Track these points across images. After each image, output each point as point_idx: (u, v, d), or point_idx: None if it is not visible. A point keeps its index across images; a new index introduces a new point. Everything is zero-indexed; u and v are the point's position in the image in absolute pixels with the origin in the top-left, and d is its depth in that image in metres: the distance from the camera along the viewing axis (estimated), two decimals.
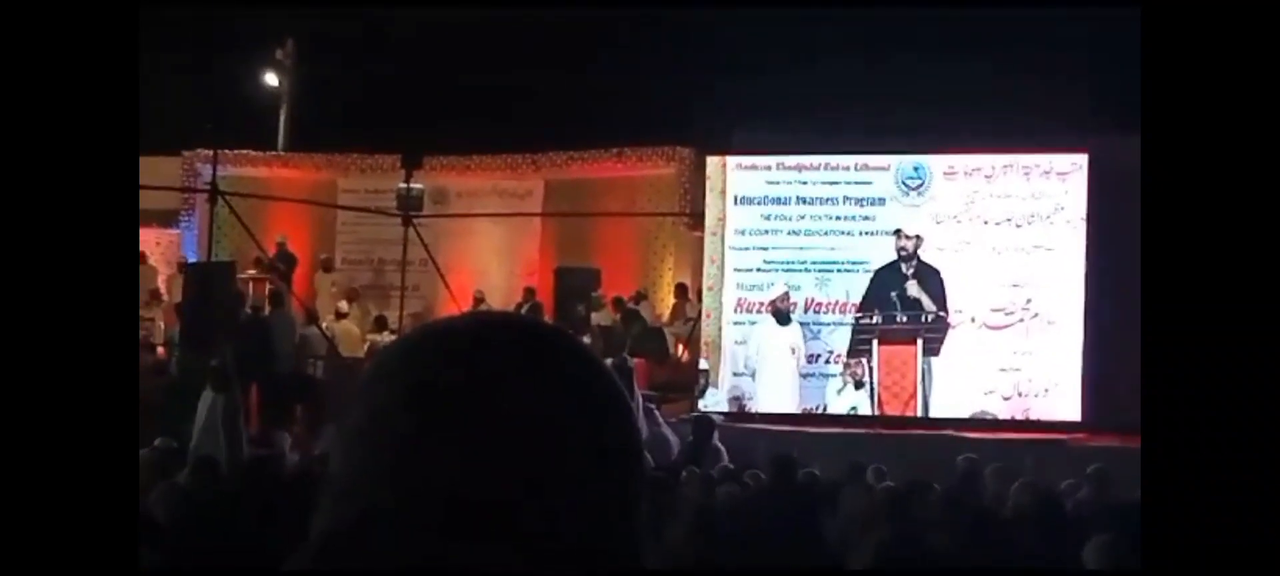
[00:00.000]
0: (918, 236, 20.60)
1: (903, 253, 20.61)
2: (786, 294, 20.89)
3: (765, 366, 20.92)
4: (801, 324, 20.88)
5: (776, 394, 20.81)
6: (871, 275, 20.77)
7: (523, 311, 22.28)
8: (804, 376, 20.79)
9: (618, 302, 25.01)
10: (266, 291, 25.39)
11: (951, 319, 20.40)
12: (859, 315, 20.69)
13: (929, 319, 20.45)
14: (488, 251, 28.47)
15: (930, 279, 20.54)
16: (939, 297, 20.47)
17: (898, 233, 20.68)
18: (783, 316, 20.88)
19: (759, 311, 21.05)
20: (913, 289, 20.50)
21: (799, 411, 20.65)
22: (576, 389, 1.59)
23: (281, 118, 32.02)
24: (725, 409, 20.56)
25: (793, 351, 20.79)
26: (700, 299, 22.44)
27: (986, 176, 20.69)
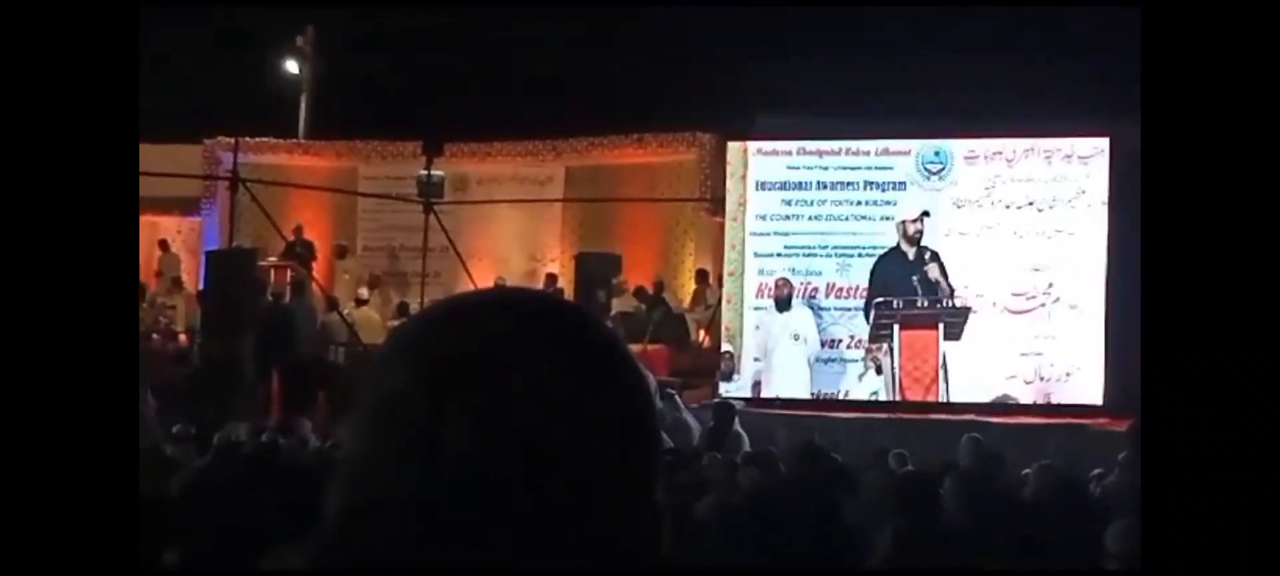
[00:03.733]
0: (922, 216, 20.55)
1: (916, 236, 20.53)
2: (786, 281, 20.91)
3: (771, 353, 20.94)
4: (821, 309, 20.85)
5: (784, 380, 20.81)
6: (875, 261, 20.75)
7: None
8: (822, 362, 20.77)
9: (639, 292, 25.07)
10: (287, 278, 25.45)
11: (972, 303, 20.35)
12: (879, 300, 20.64)
13: (946, 303, 20.40)
14: (508, 238, 28.50)
15: (935, 263, 20.50)
16: (944, 281, 20.45)
17: (903, 222, 20.62)
18: (782, 304, 20.89)
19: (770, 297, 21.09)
20: (934, 272, 20.45)
21: (813, 397, 20.65)
22: (593, 364, 1.58)
23: (302, 105, 32.03)
24: (748, 395, 20.55)
25: (795, 337, 20.79)
26: (721, 284, 22.42)
27: (1008, 160, 20.63)
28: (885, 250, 20.73)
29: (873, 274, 20.71)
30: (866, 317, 20.69)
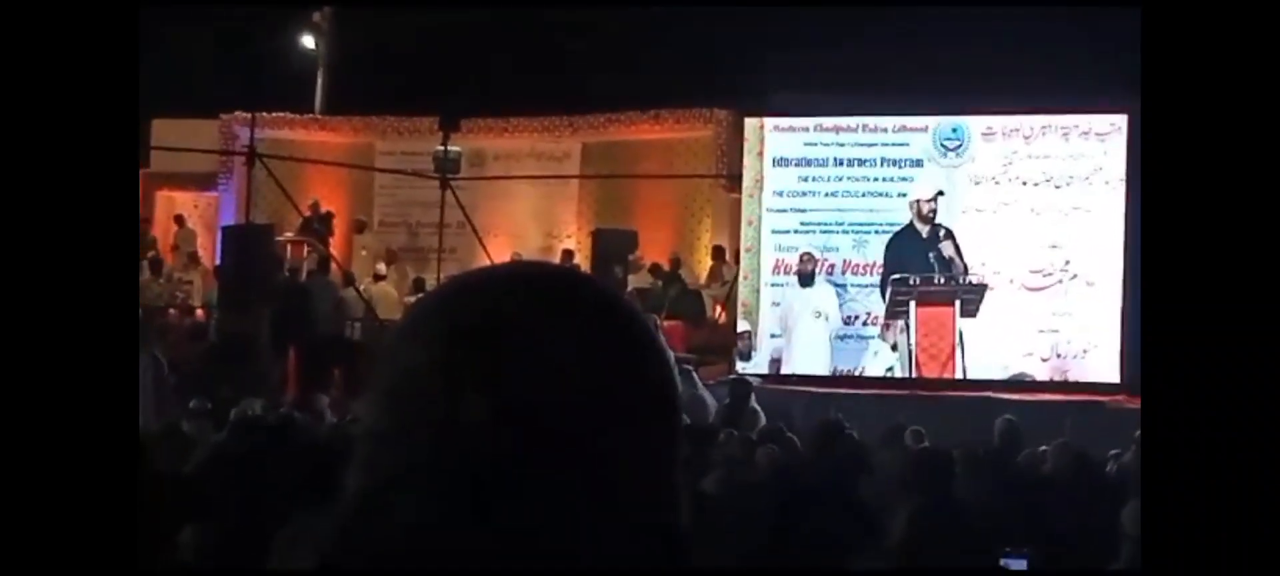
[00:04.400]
0: (936, 196, 20.52)
1: (930, 214, 20.50)
2: (810, 256, 20.90)
3: (794, 329, 20.93)
4: (837, 286, 20.85)
5: (806, 356, 20.80)
6: (890, 238, 20.72)
7: None
8: (840, 338, 20.77)
9: (655, 268, 25.07)
10: (304, 254, 25.48)
11: (989, 280, 20.32)
12: (896, 277, 20.60)
13: (962, 280, 20.37)
14: (525, 214, 28.47)
15: (949, 241, 20.47)
16: (959, 259, 20.43)
17: (917, 201, 20.59)
18: (806, 279, 20.89)
19: (794, 273, 21.06)
20: (948, 249, 20.41)
21: (831, 373, 20.63)
22: (612, 339, 1.57)
23: (319, 80, 32.04)
24: (766, 371, 20.54)
25: (817, 315, 20.78)
26: (737, 261, 22.42)
27: (1025, 137, 20.60)
28: (899, 228, 20.71)
29: (887, 251, 20.69)
30: (882, 295, 20.67)
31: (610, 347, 1.55)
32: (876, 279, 20.74)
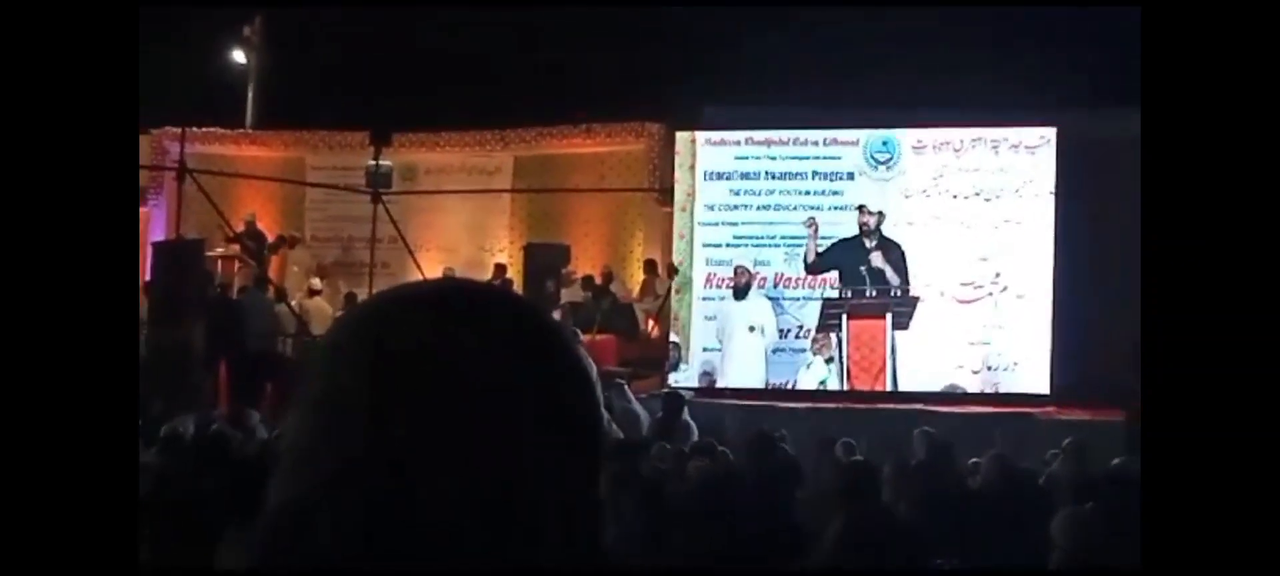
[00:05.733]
0: (880, 212, 20.61)
1: (865, 227, 20.62)
2: (746, 269, 20.96)
3: (728, 342, 20.98)
4: (773, 299, 20.89)
5: (740, 369, 20.85)
6: (829, 246, 20.78)
7: None
8: (774, 352, 20.81)
9: (587, 282, 25.05)
10: (236, 269, 25.36)
11: (920, 293, 20.41)
12: (825, 298, 20.69)
13: (895, 293, 20.47)
14: (457, 228, 28.40)
15: (893, 253, 20.56)
16: (902, 272, 20.50)
17: (861, 208, 20.68)
18: (740, 292, 20.94)
19: (727, 286, 21.10)
20: (877, 260, 20.51)
21: (766, 387, 20.67)
22: (533, 354, 1.57)
23: (249, 95, 31.89)
24: (696, 385, 20.57)
25: (752, 328, 20.83)
26: (670, 275, 22.43)
27: (955, 150, 20.70)
28: (835, 240, 20.79)
29: (825, 259, 20.77)
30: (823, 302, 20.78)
31: (530, 365, 1.56)
32: (811, 292, 20.80)
